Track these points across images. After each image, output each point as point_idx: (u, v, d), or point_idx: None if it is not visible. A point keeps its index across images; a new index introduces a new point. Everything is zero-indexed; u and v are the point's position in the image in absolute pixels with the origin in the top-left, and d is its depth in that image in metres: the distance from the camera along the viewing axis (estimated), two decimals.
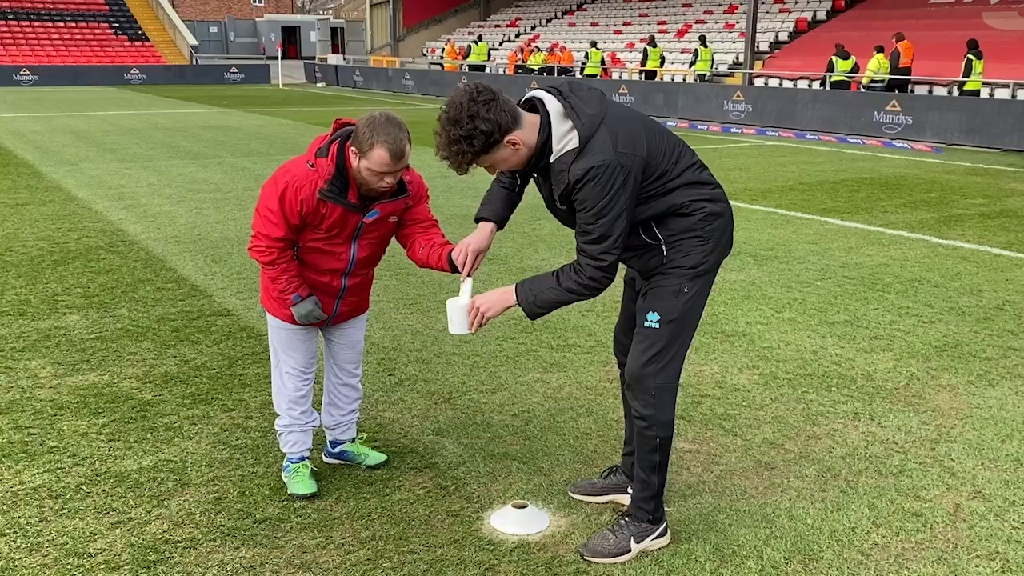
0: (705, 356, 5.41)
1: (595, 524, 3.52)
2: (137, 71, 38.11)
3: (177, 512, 3.57)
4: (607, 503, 3.65)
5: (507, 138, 2.89)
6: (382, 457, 3.94)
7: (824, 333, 5.89)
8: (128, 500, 3.65)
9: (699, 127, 21.38)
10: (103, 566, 3.20)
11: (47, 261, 7.53)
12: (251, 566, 3.21)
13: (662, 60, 26.19)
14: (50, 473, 3.86)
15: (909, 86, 20.84)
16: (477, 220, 3.38)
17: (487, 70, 32.38)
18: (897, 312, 6.36)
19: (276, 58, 41.61)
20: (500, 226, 3.38)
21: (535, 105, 3.01)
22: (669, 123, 22.46)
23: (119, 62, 39.66)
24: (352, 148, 3.26)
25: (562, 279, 3.02)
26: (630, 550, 3.27)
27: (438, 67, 35.18)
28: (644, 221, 3.07)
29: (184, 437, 4.24)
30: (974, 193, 11.71)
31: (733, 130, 20.80)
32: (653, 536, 3.31)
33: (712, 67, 25.20)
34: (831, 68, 21.72)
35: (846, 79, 21.44)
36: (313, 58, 49.66)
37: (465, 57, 32.53)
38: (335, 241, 3.46)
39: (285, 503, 3.64)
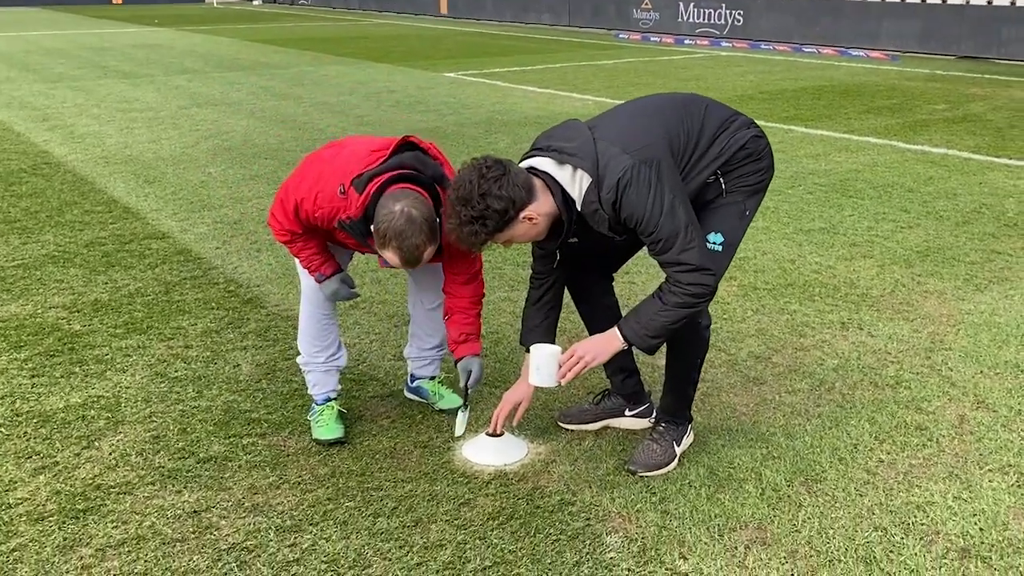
0: None
1: (577, 450, 3.20)
2: None
3: (110, 454, 3.18)
4: (600, 429, 3.35)
5: (523, 214, 2.62)
6: (458, 401, 3.46)
7: (800, 241, 5.60)
8: (53, 442, 3.25)
9: (652, 40, 20.84)
10: (24, 518, 2.81)
11: None
12: (195, 511, 2.85)
13: None
14: None
15: None
16: (523, 344, 3.11)
17: None
18: (873, 218, 6.09)
19: None
20: None
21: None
22: (622, 35, 21.89)
23: None
24: (372, 226, 2.81)
25: (665, 298, 2.69)
26: (676, 455, 3.10)
27: None
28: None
29: (117, 370, 3.82)
30: (936, 99, 11.47)
31: (687, 42, 20.30)
32: (686, 436, 3.18)
33: None
34: None
35: None
36: None
37: None
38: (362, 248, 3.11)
39: (232, 440, 3.27)
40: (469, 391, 3.22)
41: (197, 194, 6.70)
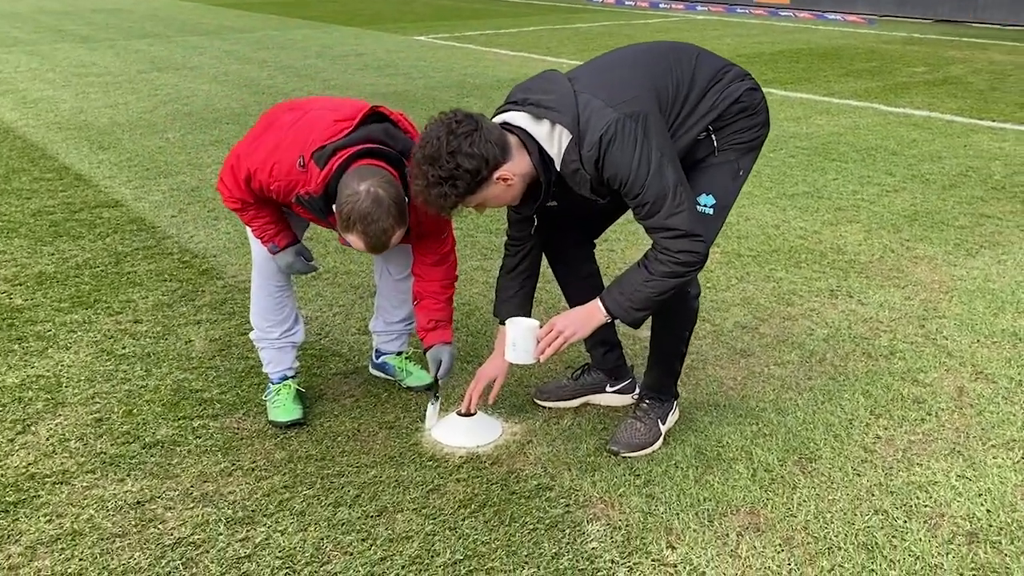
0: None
1: (555, 430, 2.98)
2: None
3: (47, 439, 2.92)
4: (580, 406, 3.13)
5: (496, 174, 2.36)
6: (427, 378, 3.22)
7: (784, 206, 5.39)
8: None
9: (627, 3, 20.49)
10: None
11: None
12: (138, 502, 2.60)
13: None
14: None
15: None
16: (497, 316, 2.90)
17: None
18: (858, 181, 5.89)
19: None
20: None
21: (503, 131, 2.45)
22: None
23: None
24: (335, 206, 2.53)
25: (652, 267, 2.45)
26: (661, 434, 2.88)
27: None
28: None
29: (59, 347, 3.55)
30: (915, 62, 11.28)
31: (662, 6, 19.98)
32: (672, 413, 2.97)
33: None
34: None
35: None
36: None
37: None
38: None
39: (181, 422, 3.02)
40: (439, 382, 2.98)
41: (154, 160, 6.37)
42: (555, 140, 2.40)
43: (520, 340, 2.68)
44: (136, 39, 13.35)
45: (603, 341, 3.07)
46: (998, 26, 15.72)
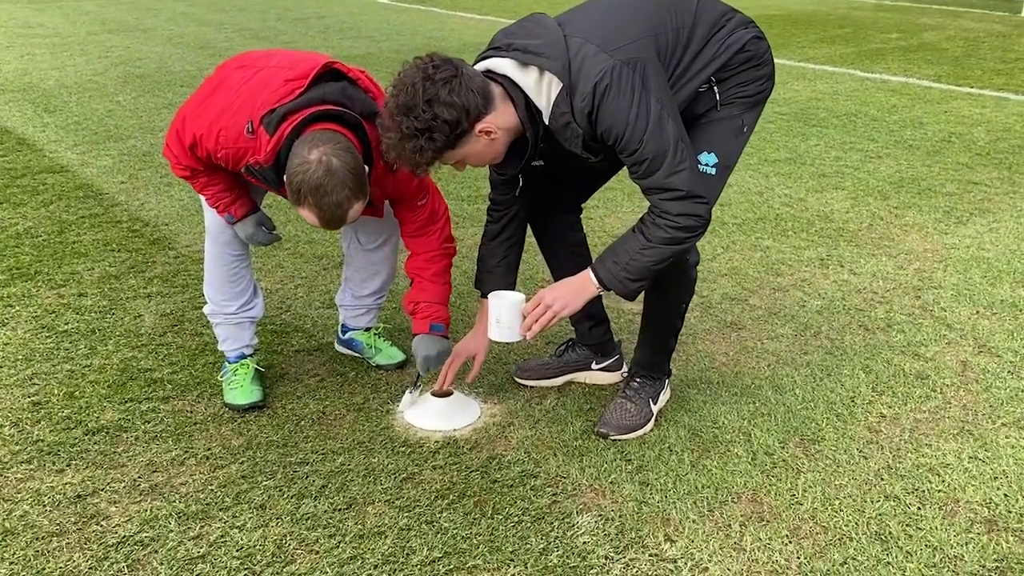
0: (640, 202, 4.63)
1: (538, 411, 2.76)
2: None
3: None
4: (564, 385, 2.90)
5: (479, 126, 2.11)
6: (399, 356, 2.99)
7: (767, 172, 5.18)
8: None
9: None
10: None
11: None
12: (79, 496, 2.34)
13: None
14: None
15: None
16: (479, 288, 2.67)
17: None
18: (840, 147, 5.70)
19: None
20: None
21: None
22: None
23: None
24: (284, 176, 2.23)
25: (650, 232, 2.21)
26: (652, 414, 2.67)
27: None
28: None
29: None
30: (888, 28, 11.12)
31: None
32: (663, 392, 2.75)
33: None
34: None
35: None
36: None
37: None
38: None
39: (128, 405, 2.75)
40: (421, 375, 2.71)
41: (103, 124, 6.01)
42: (544, 90, 2.15)
43: (505, 316, 2.43)
44: (86, 0, 12.80)
45: (589, 315, 2.84)
46: None
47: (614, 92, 2.08)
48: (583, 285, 2.32)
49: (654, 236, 2.20)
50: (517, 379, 2.90)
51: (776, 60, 2.46)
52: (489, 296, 2.48)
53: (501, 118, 2.15)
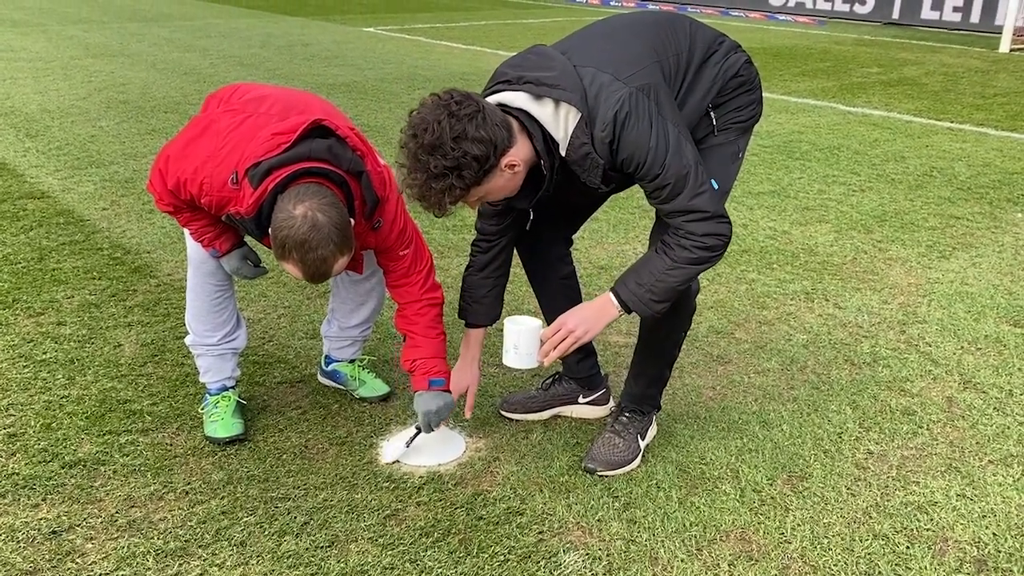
0: (625, 234, 4.63)
1: (524, 445, 2.73)
2: None
3: None
4: (550, 419, 2.87)
5: (504, 160, 2.09)
6: (383, 389, 2.95)
7: (751, 205, 5.20)
8: None
9: (577, 0, 20.32)
10: None
11: None
12: (54, 531, 2.28)
13: None
14: None
15: None
16: (463, 319, 2.67)
17: None
18: (823, 181, 5.73)
19: None
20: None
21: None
22: None
23: None
24: (270, 230, 2.21)
25: (674, 253, 2.20)
26: (640, 450, 2.65)
27: None
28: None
29: None
30: (868, 62, 11.25)
31: (612, 3, 19.83)
32: (651, 427, 2.74)
33: None
34: None
35: None
36: None
37: None
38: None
39: (106, 438, 2.70)
40: (411, 438, 2.63)
41: (85, 149, 5.97)
42: (561, 121, 2.13)
43: (524, 343, 2.40)
44: (70, 24, 12.78)
45: (579, 348, 2.81)
46: (945, 29, 15.85)
47: (633, 119, 2.07)
48: (604, 308, 2.30)
49: (679, 257, 2.19)
50: (503, 412, 2.87)
51: None
52: (506, 322, 2.44)
53: (522, 151, 2.13)
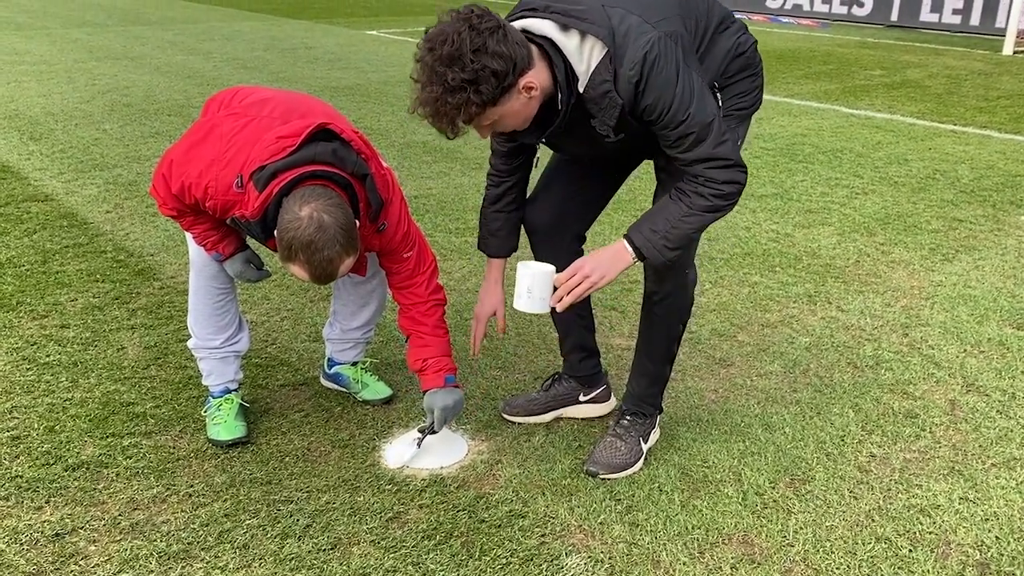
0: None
1: (526, 448, 2.73)
2: None
3: None
4: (552, 421, 2.88)
5: (523, 81, 2.04)
6: (386, 392, 2.95)
7: (754, 208, 5.20)
8: None
9: None
10: None
11: None
12: (58, 534, 2.29)
13: None
14: None
15: None
16: (483, 250, 2.71)
17: None
18: (826, 183, 5.73)
19: None
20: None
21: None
22: None
23: None
24: (275, 232, 2.23)
25: (691, 201, 2.19)
26: (643, 453, 2.66)
27: None
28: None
29: None
30: (871, 65, 11.25)
31: None
32: (654, 430, 2.75)
33: None
34: None
35: None
36: None
37: None
38: None
39: (109, 440, 2.70)
40: (424, 435, 2.63)
41: (88, 152, 5.98)
42: (585, 55, 2.09)
43: (537, 287, 2.34)
44: (74, 28, 12.80)
45: (581, 347, 2.83)
46: (947, 32, 15.84)
47: (662, 63, 2.06)
48: (619, 254, 2.27)
49: (696, 204, 2.18)
50: (505, 416, 2.87)
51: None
52: (519, 266, 2.39)
53: (541, 75, 2.10)
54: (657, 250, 2.24)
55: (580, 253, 2.73)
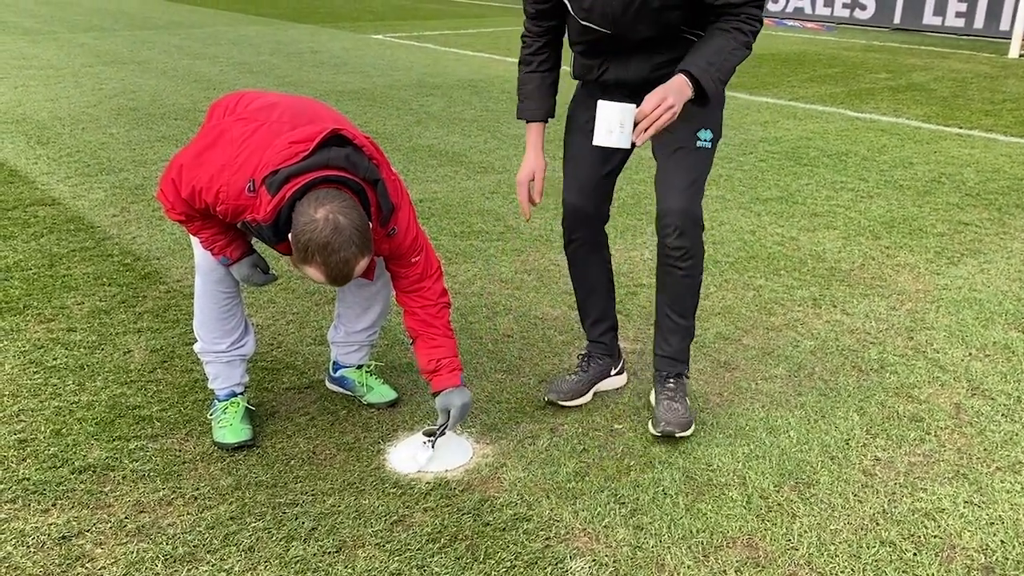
0: (633, 240, 4.64)
1: (530, 451, 2.73)
2: None
3: None
4: (554, 422, 2.91)
5: None
6: (391, 395, 2.96)
7: (759, 211, 5.20)
8: None
9: None
10: None
11: None
12: (64, 536, 2.30)
13: None
14: None
15: None
16: (522, 115, 2.82)
17: None
18: (831, 187, 5.73)
19: None
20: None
21: None
22: None
23: None
24: (290, 235, 2.25)
25: (739, 37, 2.43)
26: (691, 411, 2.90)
27: None
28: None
29: None
30: (877, 68, 11.24)
31: None
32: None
33: None
34: None
35: None
36: None
37: None
38: None
39: (116, 443, 2.72)
40: (437, 435, 2.64)
41: (95, 156, 6.01)
42: None
43: (623, 121, 2.37)
44: (81, 32, 12.86)
45: (612, 326, 3.06)
46: (953, 36, 15.82)
47: None
48: (682, 88, 2.39)
49: (741, 40, 2.41)
50: (555, 401, 2.97)
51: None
52: (601, 105, 2.40)
53: None
54: (712, 80, 2.40)
55: (603, 230, 2.92)
